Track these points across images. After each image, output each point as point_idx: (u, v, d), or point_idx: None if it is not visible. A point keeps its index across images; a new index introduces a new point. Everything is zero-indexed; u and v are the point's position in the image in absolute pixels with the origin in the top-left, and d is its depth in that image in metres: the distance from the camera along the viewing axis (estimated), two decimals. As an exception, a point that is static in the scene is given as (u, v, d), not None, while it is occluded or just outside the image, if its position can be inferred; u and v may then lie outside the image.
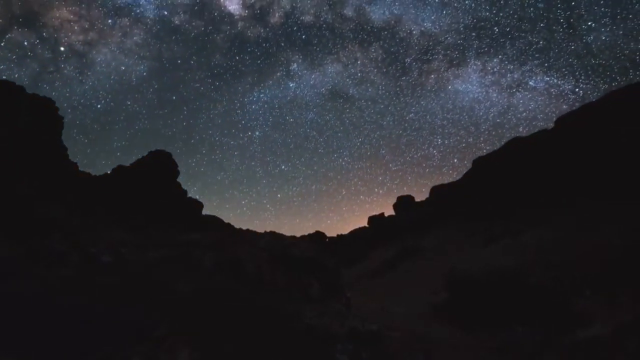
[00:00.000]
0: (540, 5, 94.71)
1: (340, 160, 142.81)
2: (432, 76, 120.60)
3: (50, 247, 10.37)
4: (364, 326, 8.93)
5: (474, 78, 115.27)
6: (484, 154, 41.62)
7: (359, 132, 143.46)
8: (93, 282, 7.70)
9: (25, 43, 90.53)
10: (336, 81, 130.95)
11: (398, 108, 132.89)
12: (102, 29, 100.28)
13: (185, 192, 37.14)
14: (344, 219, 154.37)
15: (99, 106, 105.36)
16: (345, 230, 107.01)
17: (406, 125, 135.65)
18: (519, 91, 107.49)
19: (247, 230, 39.57)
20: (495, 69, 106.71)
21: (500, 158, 37.65)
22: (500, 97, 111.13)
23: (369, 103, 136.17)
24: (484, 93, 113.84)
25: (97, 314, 5.80)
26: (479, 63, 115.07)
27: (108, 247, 10.79)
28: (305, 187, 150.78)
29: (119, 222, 21.12)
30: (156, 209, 29.84)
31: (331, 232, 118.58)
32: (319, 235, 59.00)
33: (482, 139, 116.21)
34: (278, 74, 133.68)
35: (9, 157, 17.59)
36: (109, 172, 33.22)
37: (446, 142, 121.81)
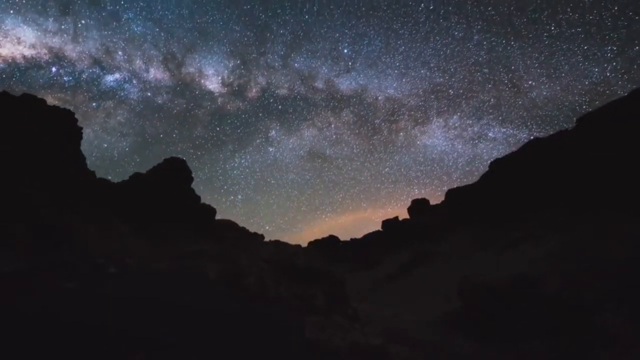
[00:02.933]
0: (485, 70, 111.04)
1: (324, 216, 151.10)
2: (401, 134, 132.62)
3: (60, 258, 10.62)
4: (367, 340, 8.68)
5: (438, 133, 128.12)
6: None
7: (339, 188, 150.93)
8: (94, 295, 7.79)
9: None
10: (313, 143, 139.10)
11: (374, 164, 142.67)
12: (86, 112, 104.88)
13: (199, 197, 37.72)
14: (357, 223, 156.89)
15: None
16: (359, 234, 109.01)
17: (383, 179, 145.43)
18: (480, 142, 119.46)
19: (261, 235, 39.92)
20: (456, 124, 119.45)
21: (519, 160, 36.34)
22: (465, 148, 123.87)
23: (346, 161, 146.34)
24: (450, 145, 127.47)
25: (89, 328, 5.82)
26: (441, 120, 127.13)
27: (115, 258, 10.96)
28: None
29: (131, 229, 21.58)
30: (170, 215, 30.40)
31: (345, 236, 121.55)
32: (332, 239, 58.56)
33: (455, 186, 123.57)
34: (257, 140, 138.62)
35: (24, 164, 18.24)
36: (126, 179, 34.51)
37: (422, 191, 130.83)
